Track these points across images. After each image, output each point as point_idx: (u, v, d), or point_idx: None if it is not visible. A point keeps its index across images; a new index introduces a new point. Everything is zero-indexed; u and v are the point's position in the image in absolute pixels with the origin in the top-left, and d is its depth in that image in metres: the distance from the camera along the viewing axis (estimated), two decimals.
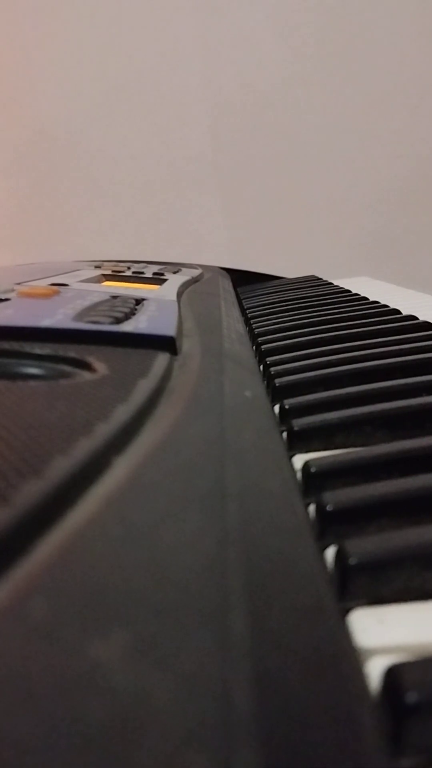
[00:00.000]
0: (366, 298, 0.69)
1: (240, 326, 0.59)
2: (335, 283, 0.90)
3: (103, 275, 0.74)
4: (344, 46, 1.34)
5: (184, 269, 0.91)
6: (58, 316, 0.38)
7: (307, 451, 0.29)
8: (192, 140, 1.34)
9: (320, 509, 0.21)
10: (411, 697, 0.13)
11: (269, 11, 1.33)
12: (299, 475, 0.26)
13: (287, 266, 1.13)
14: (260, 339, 0.52)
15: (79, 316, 0.38)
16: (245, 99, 1.34)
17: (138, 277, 0.76)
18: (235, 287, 0.95)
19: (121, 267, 0.90)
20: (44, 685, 0.09)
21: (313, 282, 0.95)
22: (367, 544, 0.18)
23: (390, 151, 1.35)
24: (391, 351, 0.42)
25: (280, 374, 0.39)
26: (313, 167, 1.35)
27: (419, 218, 1.36)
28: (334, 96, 1.35)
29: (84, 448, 0.17)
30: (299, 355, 0.44)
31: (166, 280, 0.73)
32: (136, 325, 0.37)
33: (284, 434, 0.30)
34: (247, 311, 0.71)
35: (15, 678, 0.09)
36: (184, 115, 1.34)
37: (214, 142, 1.34)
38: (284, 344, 0.49)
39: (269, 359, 0.44)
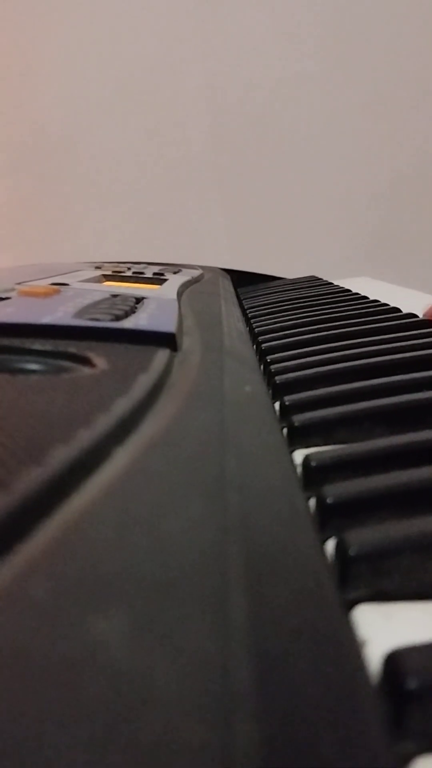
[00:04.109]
0: (366, 297, 0.69)
1: (240, 325, 0.59)
2: (335, 283, 0.90)
3: (104, 275, 0.74)
4: (344, 45, 1.34)
5: (184, 270, 0.91)
6: (59, 313, 0.38)
7: (307, 447, 0.29)
8: (192, 140, 1.34)
9: (321, 502, 0.21)
10: (412, 683, 0.13)
11: (269, 11, 1.33)
12: (299, 469, 0.26)
13: (287, 267, 1.14)
14: (261, 338, 0.52)
15: (80, 313, 0.38)
16: (245, 99, 1.35)
17: (138, 277, 0.76)
18: (235, 288, 0.95)
19: (122, 267, 0.90)
20: (46, 664, 0.09)
21: (314, 282, 0.96)
22: (367, 535, 0.18)
23: (390, 151, 1.35)
24: (391, 348, 0.42)
25: (280, 371, 0.39)
26: (313, 167, 1.36)
27: (419, 218, 1.36)
28: (334, 96, 1.35)
29: (84, 438, 0.18)
30: (299, 353, 0.44)
31: (166, 280, 0.73)
32: (137, 321, 0.37)
33: (285, 430, 0.30)
34: (248, 311, 0.71)
35: (17, 657, 0.10)
36: (184, 116, 1.34)
37: (214, 142, 1.34)
38: (284, 342, 0.49)
39: (269, 357, 0.44)
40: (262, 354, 0.46)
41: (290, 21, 1.34)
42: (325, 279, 0.97)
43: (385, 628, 0.16)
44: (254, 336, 0.55)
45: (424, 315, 0.55)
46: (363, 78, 1.35)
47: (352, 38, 1.34)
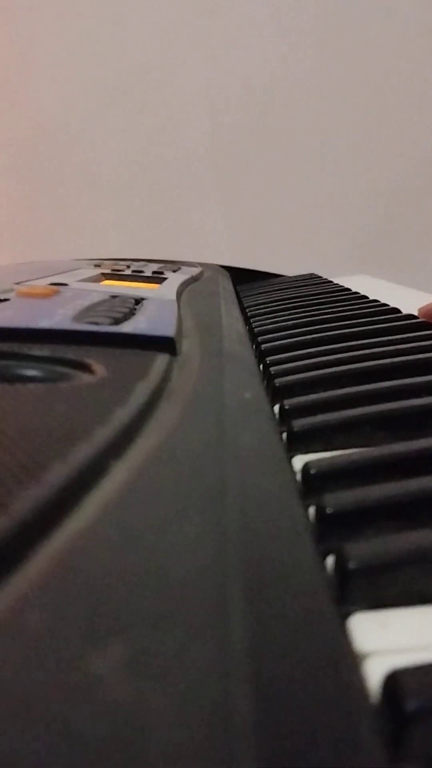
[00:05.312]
0: (366, 297, 0.68)
1: (240, 325, 0.58)
2: (335, 281, 0.90)
3: (103, 274, 0.74)
4: (344, 45, 1.34)
5: (183, 268, 0.91)
6: (57, 316, 0.38)
7: (306, 452, 0.29)
8: (192, 140, 1.34)
9: (320, 512, 0.21)
10: (411, 704, 0.12)
11: (269, 11, 1.33)
12: (299, 476, 0.26)
13: (287, 264, 1.13)
14: (260, 338, 0.52)
15: (79, 316, 0.38)
16: (245, 99, 1.34)
17: (137, 276, 0.76)
18: (234, 285, 0.95)
19: (121, 266, 0.89)
20: (41, 697, 0.09)
21: (313, 280, 0.95)
22: (366, 548, 0.18)
23: (389, 150, 1.35)
24: (391, 350, 0.42)
25: (279, 374, 0.39)
26: (312, 166, 1.35)
27: (419, 217, 1.36)
28: (334, 95, 1.35)
29: (83, 452, 0.17)
30: (299, 355, 0.44)
31: (165, 278, 0.73)
32: (136, 325, 0.37)
33: (284, 435, 0.30)
34: (247, 310, 0.71)
35: (11, 690, 0.09)
36: (184, 115, 1.34)
37: (214, 142, 1.34)
38: (284, 343, 0.48)
39: (269, 359, 0.43)
40: (261, 355, 0.46)
41: (290, 21, 1.34)
42: (324, 277, 0.97)
43: (381, 638, 0.16)
44: (254, 336, 0.54)
45: (419, 315, 0.55)
46: (363, 77, 1.34)
47: (351, 38, 1.34)
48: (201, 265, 0.99)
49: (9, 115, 1.35)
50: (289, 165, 1.35)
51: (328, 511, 0.21)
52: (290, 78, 1.34)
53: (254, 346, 0.51)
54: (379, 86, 1.34)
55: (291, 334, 0.52)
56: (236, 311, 0.69)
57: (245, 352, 0.46)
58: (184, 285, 0.69)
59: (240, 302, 0.79)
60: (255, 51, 1.33)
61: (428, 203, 1.35)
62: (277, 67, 1.34)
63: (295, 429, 0.30)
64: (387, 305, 0.61)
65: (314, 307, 0.65)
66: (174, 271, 0.83)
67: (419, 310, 0.54)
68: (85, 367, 0.28)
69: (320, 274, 1.01)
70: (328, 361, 0.41)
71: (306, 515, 0.22)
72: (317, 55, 1.34)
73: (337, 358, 0.41)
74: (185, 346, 0.37)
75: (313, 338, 0.49)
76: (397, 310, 0.57)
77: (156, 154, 1.34)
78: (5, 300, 0.44)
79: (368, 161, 1.35)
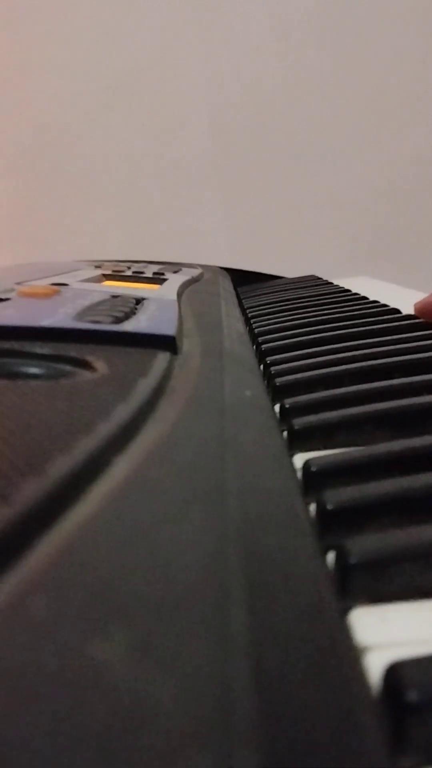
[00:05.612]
0: (366, 298, 0.69)
1: (240, 326, 0.59)
2: (335, 282, 0.90)
3: (104, 275, 0.74)
4: (344, 45, 1.34)
5: (184, 269, 0.91)
6: (59, 315, 0.38)
7: (307, 450, 0.29)
8: (192, 140, 1.34)
9: (321, 508, 0.21)
10: (412, 696, 0.13)
11: (269, 11, 1.33)
12: (300, 474, 0.26)
13: (287, 266, 1.13)
14: (260, 338, 0.52)
15: (80, 315, 0.38)
16: (245, 99, 1.34)
17: (138, 277, 0.76)
18: (235, 287, 0.95)
19: (122, 267, 0.90)
20: (44, 684, 0.09)
21: (313, 281, 0.95)
22: (367, 543, 0.18)
23: (390, 151, 1.35)
24: (391, 350, 0.42)
25: (280, 373, 0.39)
26: (313, 167, 1.35)
27: (419, 218, 1.36)
28: (334, 95, 1.35)
29: (84, 447, 0.17)
30: (299, 355, 0.44)
31: (166, 279, 0.73)
32: (137, 324, 0.37)
33: (285, 433, 0.30)
34: (248, 311, 0.71)
35: (15, 677, 0.09)
36: (184, 115, 1.34)
37: (214, 142, 1.34)
38: (284, 344, 0.49)
39: (269, 359, 0.44)
40: (262, 355, 0.46)
41: (290, 21, 1.34)
42: (324, 278, 0.97)
43: (381, 632, 0.16)
44: (254, 336, 0.54)
45: (415, 310, 0.54)
46: (363, 77, 1.35)
47: (352, 37, 1.34)
48: (201, 266, 1.00)
49: (9, 115, 1.35)
50: (289, 165, 1.35)
51: (329, 507, 0.21)
52: (290, 78, 1.34)
53: (255, 347, 0.51)
54: (380, 86, 1.34)
55: (291, 334, 0.52)
56: (236, 312, 0.69)
57: (246, 351, 0.46)
58: (185, 286, 0.69)
59: (240, 304, 0.79)
60: (255, 51, 1.34)
61: (428, 205, 1.35)
62: (277, 67, 1.34)
63: (296, 427, 0.30)
64: (387, 306, 0.61)
65: (314, 308, 0.65)
66: (174, 273, 0.83)
67: (415, 304, 0.54)
68: (86, 365, 0.29)
69: (321, 276, 1.01)
70: (328, 360, 0.41)
71: (307, 512, 0.22)
72: (317, 55, 1.34)
73: (337, 358, 0.41)
74: (186, 345, 0.37)
75: (313, 338, 0.49)
76: (397, 311, 0.57)
77: (156, 154, 1.35)
78: (6, 299, 0.45)
79: (369, 162, 1.35)
